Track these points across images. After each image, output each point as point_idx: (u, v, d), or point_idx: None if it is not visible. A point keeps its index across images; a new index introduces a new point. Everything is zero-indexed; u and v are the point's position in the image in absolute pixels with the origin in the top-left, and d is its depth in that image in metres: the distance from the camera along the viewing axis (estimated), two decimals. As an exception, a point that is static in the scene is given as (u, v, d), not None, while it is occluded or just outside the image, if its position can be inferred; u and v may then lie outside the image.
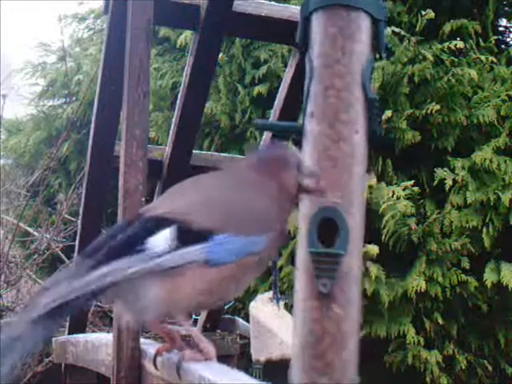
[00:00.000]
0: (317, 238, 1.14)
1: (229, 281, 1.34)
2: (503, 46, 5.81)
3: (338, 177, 1.16)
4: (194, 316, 4.02)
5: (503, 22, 5.94)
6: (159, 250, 1.29)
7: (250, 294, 4.93)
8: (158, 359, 1.52)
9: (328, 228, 1.15)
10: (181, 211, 1.34)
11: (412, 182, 4.81)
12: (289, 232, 4.80)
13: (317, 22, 1.18)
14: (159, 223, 1.32)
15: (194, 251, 1.30)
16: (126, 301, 1.37)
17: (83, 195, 3.43)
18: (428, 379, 4.74)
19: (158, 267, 1.29)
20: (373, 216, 4.65)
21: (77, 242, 3.56)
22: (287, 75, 2.92)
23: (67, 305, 1.25)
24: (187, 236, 1.31)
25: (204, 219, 1.33)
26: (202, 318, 3.44)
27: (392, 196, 4.68)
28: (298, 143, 1.45)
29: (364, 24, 1.18)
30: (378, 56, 1.26)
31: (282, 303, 2.69)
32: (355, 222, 1.15)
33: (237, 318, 3.63)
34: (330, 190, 1.16)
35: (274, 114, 3.00)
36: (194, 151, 3.24)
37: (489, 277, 4.66)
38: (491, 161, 4.74)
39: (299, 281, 1.15)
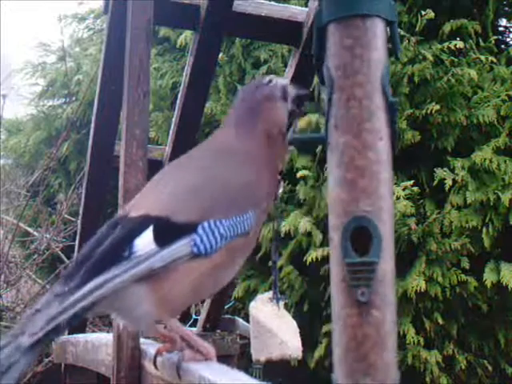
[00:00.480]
0: (351, 248, 1.15)
1: (221, 267, 1.30)
2: (503, 46, 5.81)
3: (366, 185, 1.16)
4: (194, 316, 4.02)
5: (503, 22, 5.94)
6: (145, 252, 1.25)
7: (250, 294, 4.93)
8: (158, 359, 1.52)
9: (359, 236, 1.15)
10: (161, 206, 1.29)
11: (412, 181, 4.81)
12: (288, 231, 4.83)
13: (332, 34, 1.18)
14: (141, 223, 1.27)
15: (181, 246, 1.26)
16: (119, 311, 1.35)
17: (83, 195, 3.43)
18: (428, 379, 4.74)
19: (146, 270, 1.25)
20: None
21: (77, 242, 3.56)
22: (287, 75, 2.92)
23: (60, 326, 1.21)
24: (171, 232, 1.26)
25: (186, 210, 1.28)
26: (202, 318, 3.44)
27: (392, 196, 4.68)
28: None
29: (379, 30, 1.18)
30: (393, 58, 1.26)
31: (281, 303, 2.69)
32: (386, 229, 1.16)
33: (237, 318, 3.63)
34: (361, 199, 1.16)
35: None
36: (193, 151, 3.23)
37: (489, 277, 4.66)
38: (491, 161, 4.75)
39: (336, 290, 1.16)
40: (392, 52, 1.23)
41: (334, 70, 1.17)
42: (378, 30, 1.18)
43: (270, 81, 1.39)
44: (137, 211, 1.31)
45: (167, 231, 1.27)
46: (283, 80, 1.34)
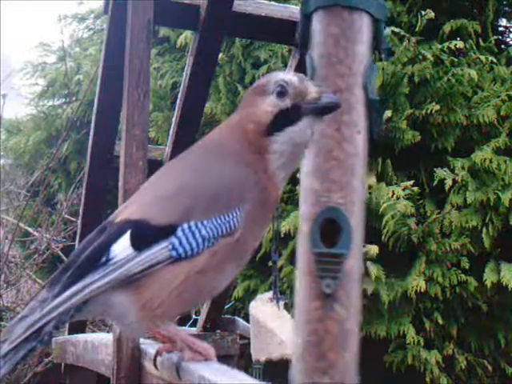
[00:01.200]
0: (320, 239, 1.14)
1: (207, 272, 1.24)
2: (503, 46, 5.81)
3: (341, 177, 1.16)
4: (194, 316, 4.02)
5: (503, 22, 5.94)
6: (121, 257, 1.22)
7: (250, 294, 4.93)
8: (158, 359, 1.52)
9: (328, 228, 1.14)
10: (142, 210, 1.26)
11: (412, 182, 4.81)
12: (288, 231, 4.83)
13: (318, 22, 1.18)
14: (121, 228, 1.24)
15: (158, 250, 1.22)
16: (112, 319, 1.34)
17: (83, 195, 3.43)
18: (428, 379, 4.74)
19: (124, 276, 1.22)
20: (373, 216, 4.65)
21: (77, 242, 3.56)
22: (287, 75, 2.92)
23: (41, 331, 1.21)
24: (149, 235, 1.23)
25: (166, 212, 1.24)
26: (201, 318, 3.45)
27: (392, 196, 4.68)
28: None
29: (365, 24, 1.18)
30: (378, 56, 1.25)
31: (281, 303, 2.69)
32: (357, 222, 1.15)
33: (237, 318, 3.63)
34: (334, 190, 1.16)
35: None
36: (193, 151, 3.23)
37: (488, 277, 4.66)
38: (491, 161, 4.75)
39: (301, 281, 1.15)
40: (377, 50, 1.23)
41: (318, 58, 1.16)
42: (363, 25, 1.18)
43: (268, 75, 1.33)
44: (121, 216, 1.29)
45: (145, 235, 1.23)
46: (285, 74, 1.25)
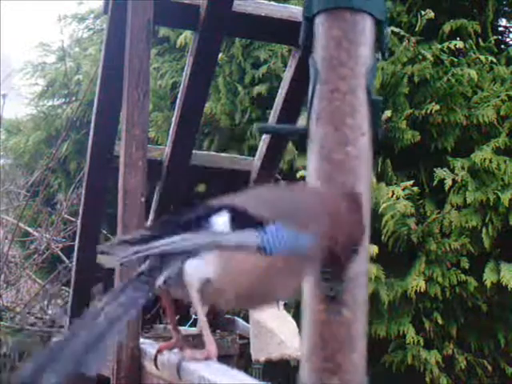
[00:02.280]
0: None
1: (275, 272, 1.36)
2: (503, 46, 5.81)
3: (344, 180, 1.16)
4: (194, 316, 4.02)
5: (503, 22, 5.94)
6: (219, 229, 1.36)
7: (250, 294, 4.93)
8: (159, 358, 1.52)
9: None
10: (239, 201, 1.41)
11: (412, 182, 4.81)
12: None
13: (321, 25, 1.18)
14: (220, 207, 1.39)
15: (249, 234, 1.35)
16: (179, 278, 1.40)
17: (83, 195, 3.43)
18: (428, 379, 4.74)
19: (216, 243, 1.35)
20: (372, 216, 4.65)
21: (77, 242, 3.56)
22: (287, 75, 2.92)
23: (151, 274, 1.34)
24: (244, 220, 1.36)
25: (261, 208, 1.38)
26: (201, 317, 3.44)
27: (391, 196, 4.68)
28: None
29: (367, 26, 1.18)
30: (379, 57, 1.25)
31: (281, 303, 2.69)
32: None
33: (237, 318, 3.63)
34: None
35: (273, 114, 3.00)
36: (193, 151, 3.24)
37: (488, 277, 4.66)
38: (491, 161, 4.75)
39: (307, 285, 1.15)
40: (383, 51, 1.23)
41: (320, 61, 1.16)
42: (366, 27, 1.18)
43: None
44: (217, 202, 1.44)
45: (241, 218, 1.37)
46: None
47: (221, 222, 1.37)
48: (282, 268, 1.35)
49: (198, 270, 1.36)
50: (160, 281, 1.34)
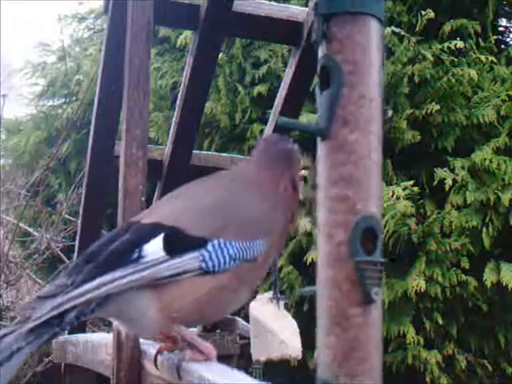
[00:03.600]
0: (360, 247, 1.14)
1: (228, 290, 1.30)
2: (503, 46, 5.81)
3: (373, 186, 1.16)
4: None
5: (503, 22, 5.94)
6: (153, 258, 1.25)
7: (250, 294, 4.93)
8: (159, 359, 1.52)
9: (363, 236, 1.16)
10: (175, 217, 1.30)
11: (412, 181, 4.81)
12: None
13: (343, 26, 1.16)
14: (152, 230, 1.28)
15: (189, 259, 1.26)
16: (121, 318, 1.35)
17: (83, 195, 3.43)
18: (428, 379, 4.74)
19: (152, 276, 1.25)
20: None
21: (77, 242, 3.56)
22: (287, 75, 2.92)
23: (62, 315, 1.23)
24: (182, 243, 1.27)
25: (199, 225, 1.29)
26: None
27: (392, 196, 4.69)
28: (296, 142, 1.45)
29: (380, 31, 1.18)
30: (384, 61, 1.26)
31: (282, 303, 2.69)
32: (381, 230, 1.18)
33: (237, 318, 3.63)
34: (369, 199, 1.16)
35: (273, 114, 3.00)
36: (193, 151, 3.24)
37: (489, 277, 4.66)
38: (491, 161, 4.75)
39: (338, 290, 1.14)
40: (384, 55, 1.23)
41: (344, 63, 1.15)
42: (379, 32, 1.18)
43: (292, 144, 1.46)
44: (150, 219, 1.32)
45: (178, 242, 1.27)
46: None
47: (155, 248, 1.25)
48: (231, 282, 1.29)
49: (141, 303, 1.27)
50: (70, 317, 1.23)
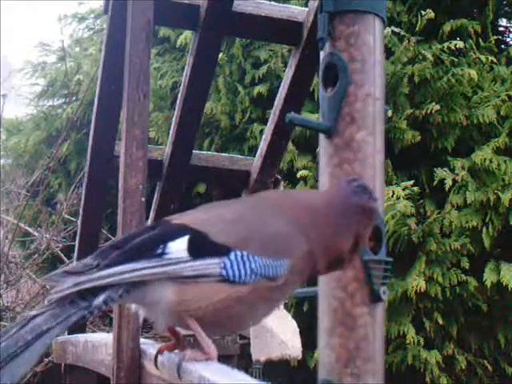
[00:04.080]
0: (367, 246, 1.14)
1: (244, 303, 1.30)
2: (503, 46, 5.81)
3: (377, 185, 1.16)
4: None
5: (503, 21, 5.94)
6: (176, 256, 1.28)
7: (250, 294, 4.93)
8: (159, 358, 1.52)
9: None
10: (201, 223, 1.32)
11: (412, 181, 4.81)
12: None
13: (350, 24, 1.16)
14: (179, 230, 1.31)
15: (210, 264, 1.28)
16: (144, 305, 1.37)
17: (83, 195, 3.43)
18: (428, 379, 4.74)
19: (174, 273, 1.28)
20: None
21: (77, 242, 3.56)
22: (287, 75, 2.92)
23: (91, 299, 1.26)
24: (204, 247, 1.29)
25: (223, 233, 1.30)
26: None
27: (392, 196, 4.69)
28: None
29: (382, 31, 1.18)
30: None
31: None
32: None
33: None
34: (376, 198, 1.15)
35: (273, 114, 3.00)
36: (193, 151, 3.24)
37: (489, 277, 4.66)
38: (491, 161, 4.75)
39: (347, 289, 1.14)
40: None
41: (351, 61, 1.14)
42: (382, 32, 1.18)
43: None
44: (178, 221, 1.35)
45: (202, 245, 1.29)
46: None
47: (179, 247, 1.28)
48: (249, 296, 1.29)
49: (163, 296, 1.29)
50: (98, 301, 1.26)
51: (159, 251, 1.28)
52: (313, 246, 1.32)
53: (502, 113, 4.92)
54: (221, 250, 1.28)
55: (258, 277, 1.29)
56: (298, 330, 2.45)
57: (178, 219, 1.37)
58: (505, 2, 5.77)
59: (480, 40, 5.26)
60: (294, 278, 1.33)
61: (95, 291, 1.26)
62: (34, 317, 1.22)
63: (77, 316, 1.25)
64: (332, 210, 1.33)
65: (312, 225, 1.33)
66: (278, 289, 1.32)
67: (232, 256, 1.28)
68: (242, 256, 1.28)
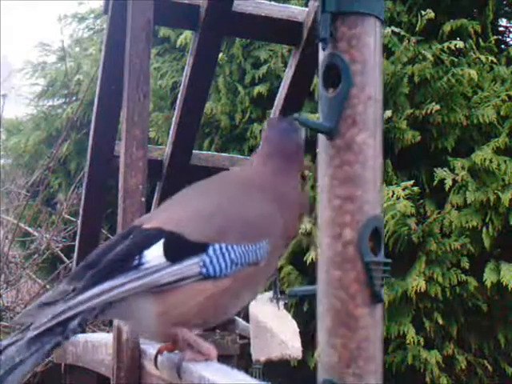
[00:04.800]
0: (368, 248, 1.14)
1: (229, 294, 1.28)
2: (503, 46, 5.81)
3: (377, 187, 1.16)
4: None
5: (503, 21, 5.94)
6: (153, 264, 1.24)
7: (250, 294, 4.93)
8: (159, 358, 1.52)
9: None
10: (175, 222, 1.29)
11: (412, 181, 4.81)
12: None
13: (352, 26, 1.16)
14: (153, 236, 1.27)
15: (190, 265, 1.25)
16: (125, 320, 1.35)
17: (83, 195, 3.43)
18: (428, 379, 4.74)
19: (153, 283, 1.24)
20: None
21: (77, 242, 3.56)
22: (287, 75, 2.92)
23: (65, 323, 1.22)
24: (182, 248, 1.26)
25: (199, 230, 1.27)
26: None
27: (392, 196, 4.69)
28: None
29: (381, 33, 1.18)
30: None
31: (281, 303, 2.69)
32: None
33: (237, 317, 3.63)
34: (377, 200, 1.16)
35: (273, 114, 3.00)
36: (193, 151, 3.24)
37: (489, 277, 4.66)
38: (491, 161, 4.75)
39: (348, 290, 1.14)
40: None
41: (352, 63, 1.14)
42: (381, 33, 1.18)
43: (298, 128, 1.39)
44: (150, 224, 1.31)
45: (178, 247, 1.26)
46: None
47: (155, 254, 1.24)
48: (233, 286, 1.27)
49: (143, 308, 1.26)
50: (73, 325, 1.22)
51: (135, 262, 1.24)
52: (284, 211, 1.31)
53: (501, 113, 4.92)
54: (198, 248, 1.25)
55: (239, 265, 1.26)
56: (297, 330, 2.45)
57: (150, 221, 1.32)
58: (505, 2, 5.77)
59: (480, 40, 5.26)
60: (275, 254, 1.32)
61: (70, 316, 1.22)
62: (6, 347, 1.17)
63: (51, 344, 1.21)
64: (277, 165, 1.33)
65: (276, 190, 1.32)
66: (260, 271, 1.30)
67: (210, 251, 1.25)
68: (220, 248, 1.26)
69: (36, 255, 5.80)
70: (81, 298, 1.22)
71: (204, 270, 1.25)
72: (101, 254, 1.29)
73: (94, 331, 4.95)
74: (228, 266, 1.26)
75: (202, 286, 1.26)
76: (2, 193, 6.42)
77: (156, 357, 1.52)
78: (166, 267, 1.24)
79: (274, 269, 1.38)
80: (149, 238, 1.27)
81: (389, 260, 1.14)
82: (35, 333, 1.19)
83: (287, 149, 1.36)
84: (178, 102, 3.07)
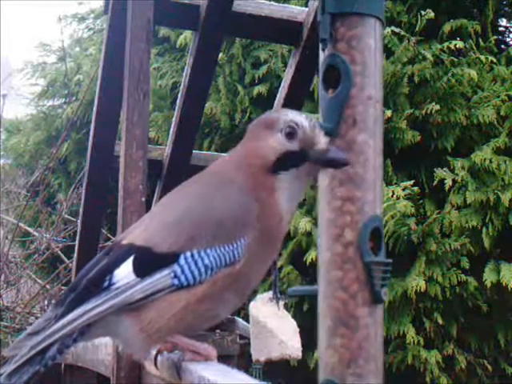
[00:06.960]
0: (369, 248, 1.13)
1: (210, 299, 1.25)
2: (503, 46, 5.81)
3: (377, 187, 1.16)
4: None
5: (503, 21, 5.94)
6: (123, 283, 1.22)
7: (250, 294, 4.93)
8: (159, 359, 1.52)
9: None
10: (146, 236, 1.26)
11: (412, 181, 4.81)
12: (288, 231, 4.82)
13: (353, 27, 1.15)
14: (124, 254, 1.25)
15: (160, 278, 1.22)
16: (112, 337, 1.34)
17: (83, 195, 3.43)
18: (428, 379, 4.74)
19: (125, 302, 1.22)
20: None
21: (77, 242, 3.56)
22: (287, 75, 2.92)
23: (44, 352, 1.21)
24: (152, 262, 1.23)
25: (169, 240, 1.24)
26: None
27: (392, 196, 4.69)
28: None
29: (382, 34, 1.18)
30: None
31: (281, 303, 2.69)
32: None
33: (237, 318, 3.63)
34: (378, 201, 1.16)
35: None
36: (193, 151, 3.24)
37: (488, 277, 4.66)
38: (491, 161, 4.75)
39: (349, 290, 1.14)
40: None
41: (352, 64, 1.14)
42: (381, 34, 1.18)
43: (279, 112, 1.32)
44: (128, 238, 1.29)
45: (148, 262, 1.23)
46: (298, 116, 1.23)
47: (125, 272, 1.22)
48: (212, 291, 1.23)
49: (121, 327, 1.24)
50: (52, 351, 1.21)
51: (106, 284, 1.22)
52: (262, 200, 1.24)
53: (501, 113, 4.92)
54: (169, 259, 1.22)
55: (215, 269, 1.22)
56: (297, 330, 2.45)
57: (127, 236, 1.30)
58: (505, 2, 5.77)
59: (480, 40, 5.26)
60: (259, 250, 1.25)
61: (48, 345, 1.21)
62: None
63: (29, 374, 1.20)
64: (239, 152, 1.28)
65: (244, 174, 1.25)
66: (243, 269, 1.24)
67: (182, 261, 1.22)
68: (192, 256, 1.22)
69: (36, 255, 5.80)
70: (56, 326, 1.21)
71: (176, 281, 1.22)
72: (82, 275, 1.27)
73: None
74: (202, 272, 1.22)
75: (176, 297, 1.23)
76: (1, 193, 6.42)
77: (156, 357, 1.52)
78: (136, 284, 1.22)
79: (262, 270, 1.31)
80: (120, 256, 1.25)
81: (390, 260, 1.14)
82: (13, 367, 1.19)
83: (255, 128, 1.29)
84: (178, 101, 3.08)
